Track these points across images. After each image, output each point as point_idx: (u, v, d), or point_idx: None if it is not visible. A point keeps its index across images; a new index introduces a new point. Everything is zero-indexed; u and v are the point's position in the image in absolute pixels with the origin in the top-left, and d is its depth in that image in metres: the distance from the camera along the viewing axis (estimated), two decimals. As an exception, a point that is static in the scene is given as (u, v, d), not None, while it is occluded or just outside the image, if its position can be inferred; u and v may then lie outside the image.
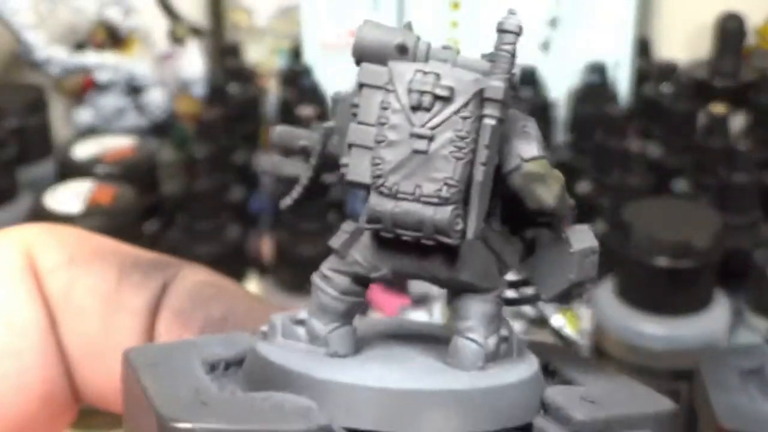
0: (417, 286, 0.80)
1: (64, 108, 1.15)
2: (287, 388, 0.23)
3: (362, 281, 0.24)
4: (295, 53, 1.11)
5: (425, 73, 0.23)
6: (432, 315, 0.53)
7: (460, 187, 0.23)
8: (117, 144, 0.98)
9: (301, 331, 0.24)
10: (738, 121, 1.00)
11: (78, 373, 0.29)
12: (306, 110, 0.96)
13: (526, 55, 1.07)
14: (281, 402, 0.22)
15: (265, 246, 0.92)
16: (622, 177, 0.86)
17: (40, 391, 0.28)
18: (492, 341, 0.24)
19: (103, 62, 1.07)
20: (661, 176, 0.91)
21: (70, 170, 0.93)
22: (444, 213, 0.23)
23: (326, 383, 0.23)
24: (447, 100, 0.23)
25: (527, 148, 0.24)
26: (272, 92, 1.14)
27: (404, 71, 0.23)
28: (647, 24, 1.14)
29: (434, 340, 0.25)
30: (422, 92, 0.23)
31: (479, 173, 0.23)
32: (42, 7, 1.07)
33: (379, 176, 0.23)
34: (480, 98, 0.23)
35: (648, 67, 1.07)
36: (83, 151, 0.96)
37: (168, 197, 0.98)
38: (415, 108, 0.23)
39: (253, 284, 0.89)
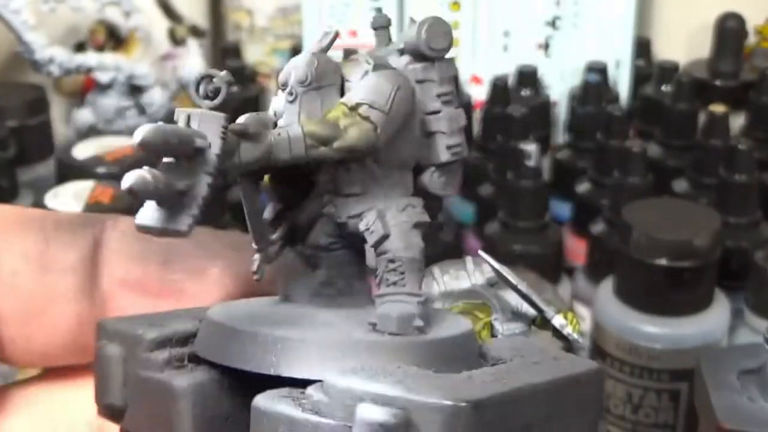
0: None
1: (64, 108, 1.15)
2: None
3: None
4: (295, 53, 1.11)
5: None
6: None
7: None
8: (117, 144, 0.98)
9: None
10: (738, 121, 1.00)
11: (13, 336, 0.30)
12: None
13: (526, 55, 1.07)
14: None
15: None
16: (622, 177, 0.85)
17: None
18: None
19: (104, 62, 1.07)
20: (661, 176, 0.91)
21: (70, 170, 0.93)
22: None
23: None
24: None
25: None
26: (272, 92, 1.15)
27: None
28: (647, 24, 1.14)
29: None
30: None
31: None
32: (42, 7, 1.07)
33: None
34: None
35: (648, 67, 1.07)
36: (83, 151, 0.96)
37: (168, 197, 0.97)
38: None
39: (253, 284, 0.89)
